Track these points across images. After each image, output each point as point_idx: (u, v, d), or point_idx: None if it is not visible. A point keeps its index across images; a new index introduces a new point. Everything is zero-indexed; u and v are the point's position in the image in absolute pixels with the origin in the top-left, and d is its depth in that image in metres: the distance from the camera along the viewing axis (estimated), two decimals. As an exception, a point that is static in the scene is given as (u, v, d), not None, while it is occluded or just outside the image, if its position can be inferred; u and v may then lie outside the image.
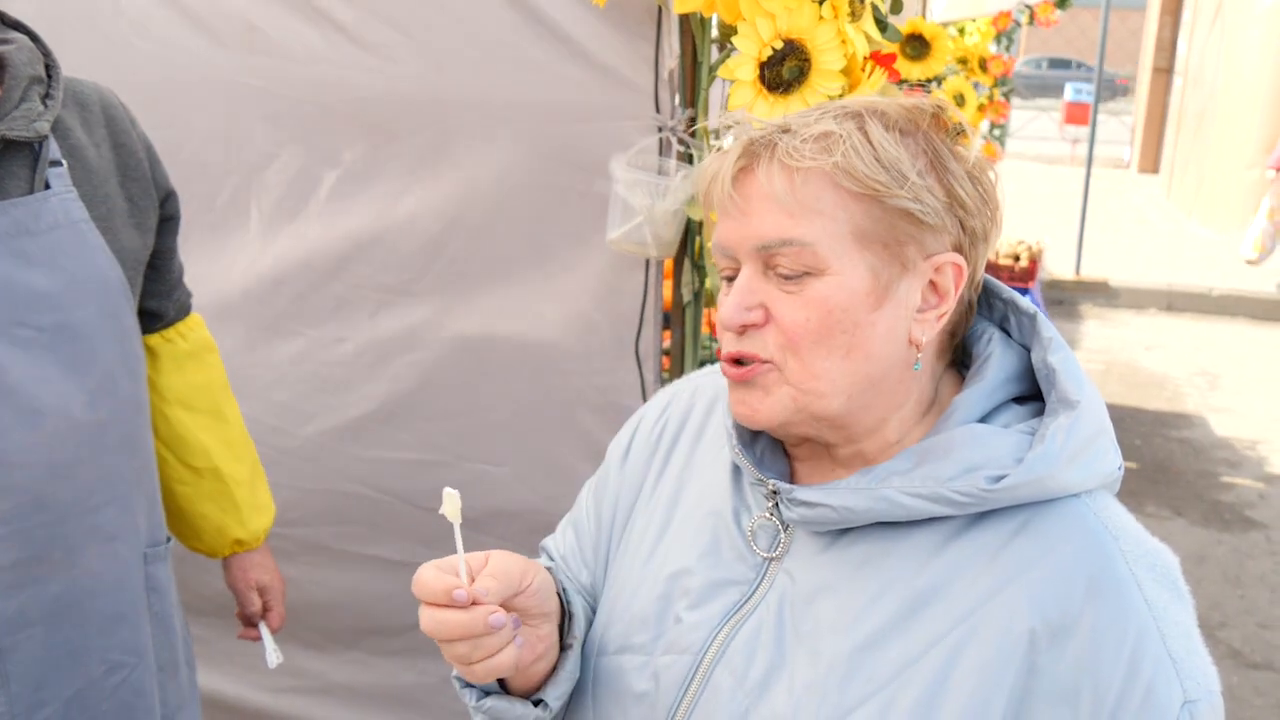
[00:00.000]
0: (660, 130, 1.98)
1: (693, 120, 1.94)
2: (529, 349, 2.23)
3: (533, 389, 2.25)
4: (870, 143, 0.96)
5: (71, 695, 1.56)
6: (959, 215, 0.98)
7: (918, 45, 4.31)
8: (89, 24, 2.23)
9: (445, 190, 2.21)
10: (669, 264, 2.10)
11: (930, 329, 1.01)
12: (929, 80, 4.35)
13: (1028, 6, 4.65)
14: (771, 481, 1.05)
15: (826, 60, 1.67)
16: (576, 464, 2.19)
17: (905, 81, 4.40)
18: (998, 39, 4.66)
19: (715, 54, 1.95)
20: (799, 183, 0.97)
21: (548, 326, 2.22)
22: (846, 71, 1.72)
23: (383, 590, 2.49)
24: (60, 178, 1.50)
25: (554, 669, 1.12)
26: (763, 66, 1.66)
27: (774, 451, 1.11)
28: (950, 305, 1.01)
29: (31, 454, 1.45)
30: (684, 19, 1.92)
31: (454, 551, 0.99)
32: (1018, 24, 4.59)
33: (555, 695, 1.11)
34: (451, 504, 0.98)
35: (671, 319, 2.10)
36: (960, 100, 4.40)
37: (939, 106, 1.03)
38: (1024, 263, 5.33)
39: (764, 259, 1.00)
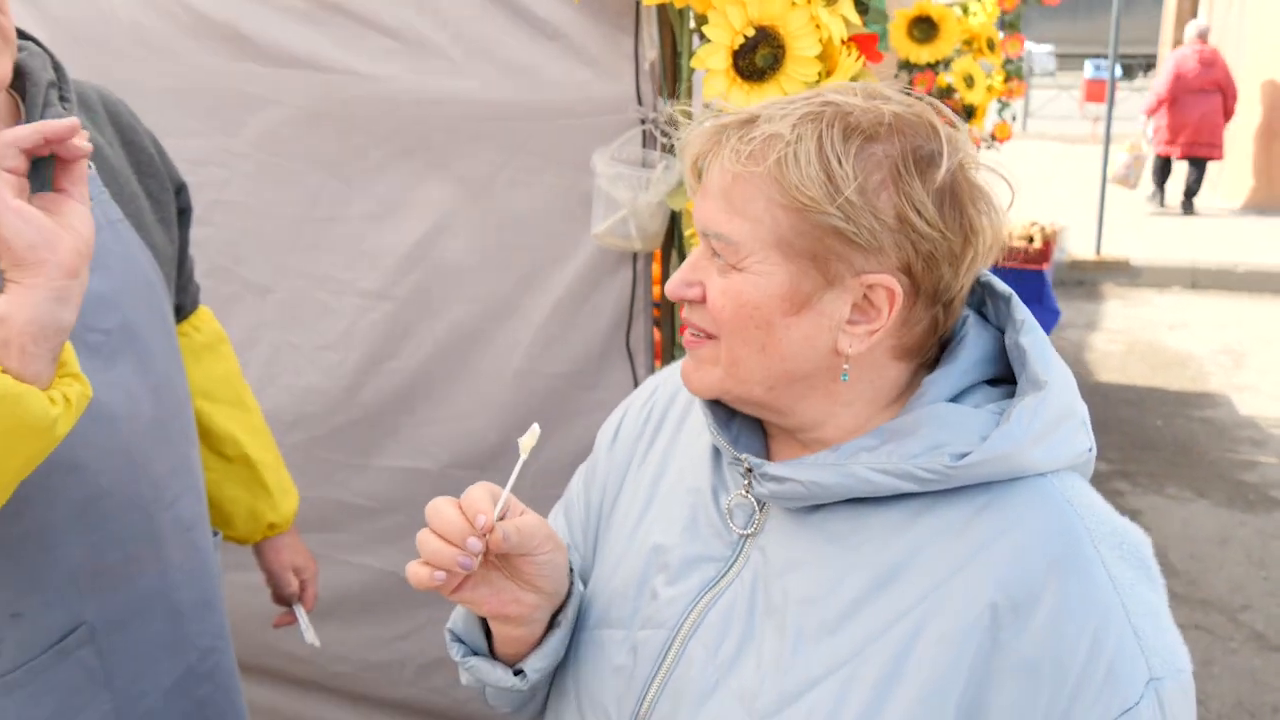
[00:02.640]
0: (643, 123, 1.96)
1: (674, 114, 1.92)
2: (517, 349, 2.23)
3: (522, 389, 2.24)
4: (811, 151, 0.95)
5: (171, 684, 1.61)
6: (910, 237, 0.96)
7: (925, 27, 4.27)
8: (86, 32, 2.24)
9: (430, 191, 2.21)
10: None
11: (860, 343, 1.00)
12: (938, 62, 4.33)
13: (1033, -15, 4.62)
14: (744, 457, 1.06)
15: (801, 46, 1.66)
16: (570, 462, 2.18)
17: (913, 65, 4.37)
18: (1003, 18, 4.62)
19: (696, 43, 1.93)
20: (734, 184, 0.98)
21: (536, 325, 2.22)
22: (823, 57, 1.70)
23: (372, 598, 2.50)
24: (93, 180, 1.50)
25: (539, 643, 1.14)
26: (736, 55, 1.65)
27: (751, 432, 1.12)
28: (883, 324, 0.99)
29: (113, 457, 1.48)
30: (662, 10, 1.90)
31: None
32: (1024, 2, 4.55)
33: (534, 667, 1.13)
34: (530, 438, 1.03)
35: (661, 312, 2.09)
36: (969, 81, 4.36)
37: (936, 109, 1.01)
38: (1037, 244, 5.28)
39: (708, 242, 1.02)
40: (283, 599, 2.04)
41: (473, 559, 0.99)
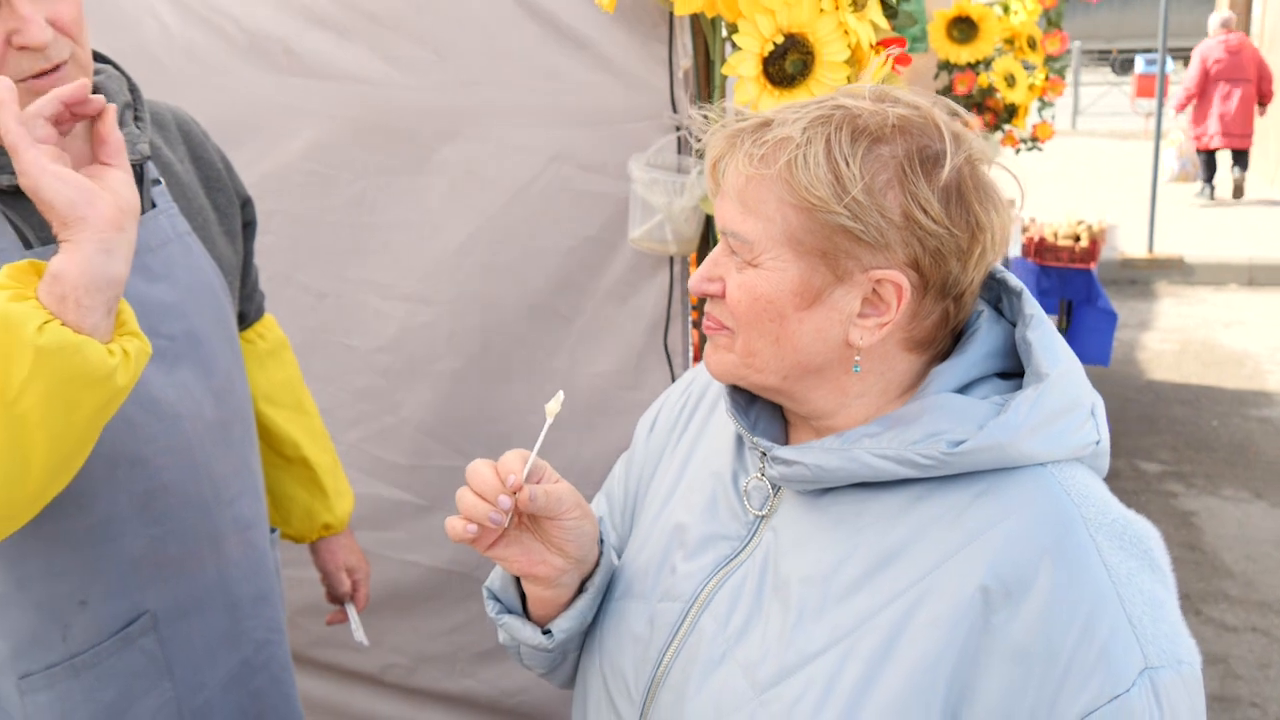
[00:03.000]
0: (677, 129, 2.01)
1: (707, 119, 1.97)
2: (560, 350, 2.29)
3: (565, 389, 2.29)
4: (820, 154, 1.00)
5: (227, 675, 1.70)
6: (916, 234, 1.01)
7: (965, 28, 4.28)
8: (145, 52, 2.33)
9: (472, 198, 2.28)
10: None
11: (870, 335, 1.05)
12: (978, 62, 4.33)
13: (1074, -18, 4.58)
14: (758, 440, 1.11)
15: (830, 52, 1.70)
16: (612, 459, 2.23)
17: (953, 66, 4.37)
18: (1045, 16, 4.60)
19: (728, 51, 1.98)
20: (748, 185, 1.04)
21: (578, 328, 2.28)
22: (852, 61, 1.74)
23: (423, 593, 2.57)
24: (162, 195, 1.60)
25: (568, 606, 1.21)
26: (766, 61, 1.69)
27: (770, 419, 1.18)
28: (892, 317, 1.04)
29: (176, 456, 1.57)
30: (695, 19, 1.95)
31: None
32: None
33: (560, 627, 1.21)
34: (556, 404, 1.12)
35: (699, 313, 2.13)
36: (1010, 80, 4.35)
37: (952, 111, 1.06)
38: (1084, 243, 5.24)
39: (726, 240, 1.08)
40: (336, 597, 2.11)
41: (503, 515, 1.07)
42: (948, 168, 1.00)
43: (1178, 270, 9.52)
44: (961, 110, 1.09)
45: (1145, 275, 9.56)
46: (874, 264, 1.02)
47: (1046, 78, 4.69)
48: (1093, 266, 5.25)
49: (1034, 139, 4.67)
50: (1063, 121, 16.24)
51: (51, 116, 1.25)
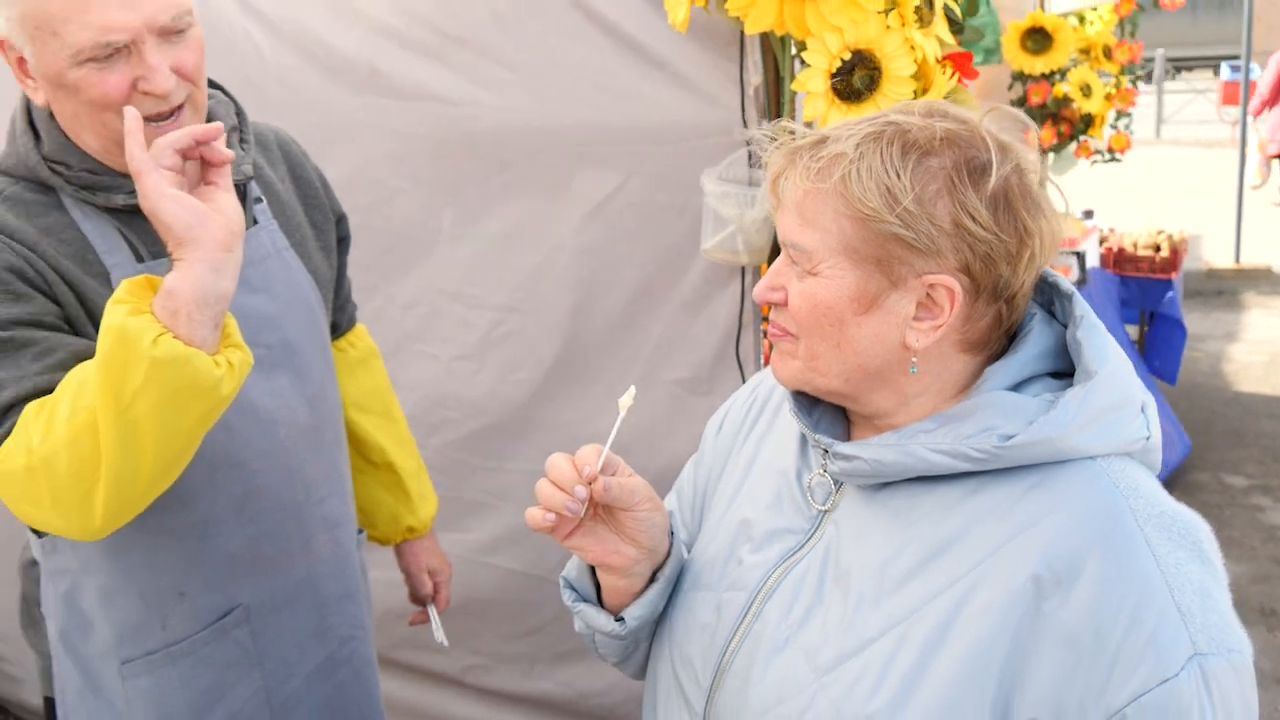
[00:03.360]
0: (748, 144, 2.07)
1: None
2: (637, 358, 2.35)
3: (641, 395, 2.35)
4: (873, 167, 1.05)
5: (314, 668, 1.80)
6: (967, 240, 1.06)
7: (1039, 39, 4.28)
8: (241, 74, 2.45)
9: (552, 211, 2.36)
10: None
11: (926, 337, 1.10)
12: (1053, 73, 4.32)
13: (1150, -11, 4.54)
14: (819, 438, 1.17)
15: (897, 67, 1.75)
16: (684, 463, 2.30)
17: (1027, 76, 4.36)
18: (1121, 25, 4.57)
19: (797, 68, 2.04)
20: (806, 198, 1.10)
21: (654, 336, 2.35)
22: (918, 76, 1.79)
23: (502, 596, 2.65)
24: (263, 212, 1.71)
25: (639, 595, 1.28)
26: (834, 77, 1.74)
27: (832, 419, 1.23)
28: (946, 319, 1.09)
29: (271, 458, 1.67)
30: (765, 38, 2.01)
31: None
32: (1141, 8, 4.49)
33: (633, 615, 1.27)
34: (628, 398, 1.20)
35: (769, 322, 2.19)
36: (1086, 90, 4.33)
37: (1018, 121, 1.12)
38: (1164, 253, 5.17)
39: (787, 251, 1.14)
40: (418, 599, 2.18)
41: (579, 504, 1.14)
42: (994, 177, 1.05)
43: (1265, 280, 9.29)
44: (1025, 118, 1.14)
45: (1232, 286, 9.34)
46: (926, 269, 1.07)
47: (1122, 87, 4.65)
48: (1174, 277, 5.18)
49: (1110, 149, 4.63)
50: (1147, 130, 15.89)
51: (182, 150, 1.36)
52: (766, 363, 2.28)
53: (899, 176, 1.05)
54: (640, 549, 1.23)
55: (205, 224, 1.35)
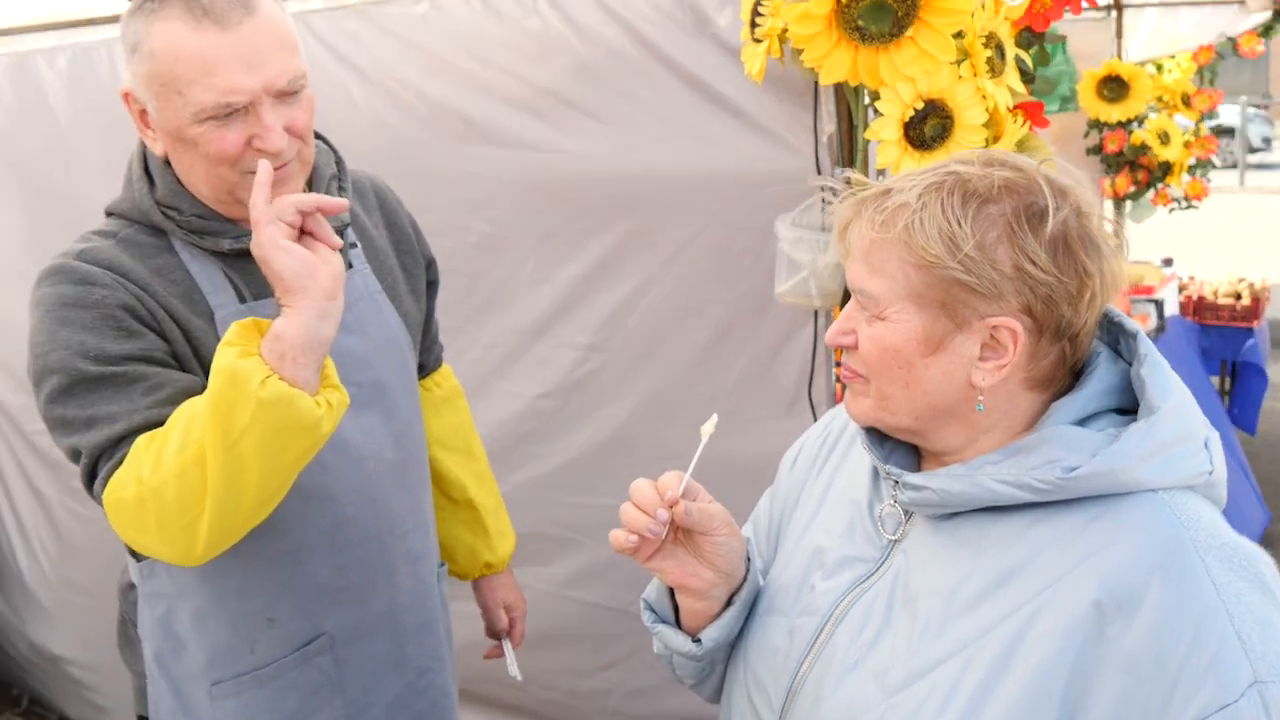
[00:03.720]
0: (821, 190, 2.12)
1: (849, 181, 2.08)
2: (712, 400, 2.40)
3: (717, 436, 2.40)
4: (935, 217, 1.10)
5: (393, 698, 1.85)
6: (1028, 283, 1.10)
7: (1116, 87, 4.28)
8: (335, 122, 2.55)
9: (634, 255, 2.44)
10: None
11: (991, 376, 1.14)
12: (1129, 120, 4.31)
13: (1230, 38, 4.49)
14: (889, 469, 1.22)
15: (968, 116, 1.79)
16: (759, 499, 2.34)
17: (1102, 124, 4.36)
18: (1200, 74, 4.54)
19: (871, 116, 2.09)
20: (872, 247, 1.15)
21: (731, 377, 2.40)
22: (990, 124, 1.82)
23: (582, 629, 2.69)
24: (358, 257, 1.79)
25: (716, 618, 1.32)
26: (907, 126, 1.78)
27: (903, 453, 1.27)
28: (1010, 360, 1.13)
29: (359, 493, 1.74)
30: (839, 88, 2.06)
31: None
32: (1220, 57, 4.46)
33: (709, 637, 1.32)
34: (710, 425, 1.26)
35: (841, 366, 2.22)
36: (1164, 138, 4.31)
37: (1046, 179, 1.14)
38: (1245, 301, 5.09)
39: (856, 297, 1.20)
40: (494, 633, 2.22)
41: (660, 527, 1.20)
42: (1052, 222, 1.09)
43: (1354, 331, 9.04)
44: (1077, 174, 1.17)
45: (1320, 336, 9.10)
46: (989, 312, 1.11)
47: (1201, 134, 4.62)
48: (1255, 325, 5.10)
49: (1186, 196, 4.60)
50: (1230, 178, 15.60)
51: (305, 211, 1.46)
52: (838, 402, 2.32)
53: (960, 224, 1.09)
54: (718, 572, 1.28)
55: (314, 274, 1.43)
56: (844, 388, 2.22)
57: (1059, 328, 1.13)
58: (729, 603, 1.32)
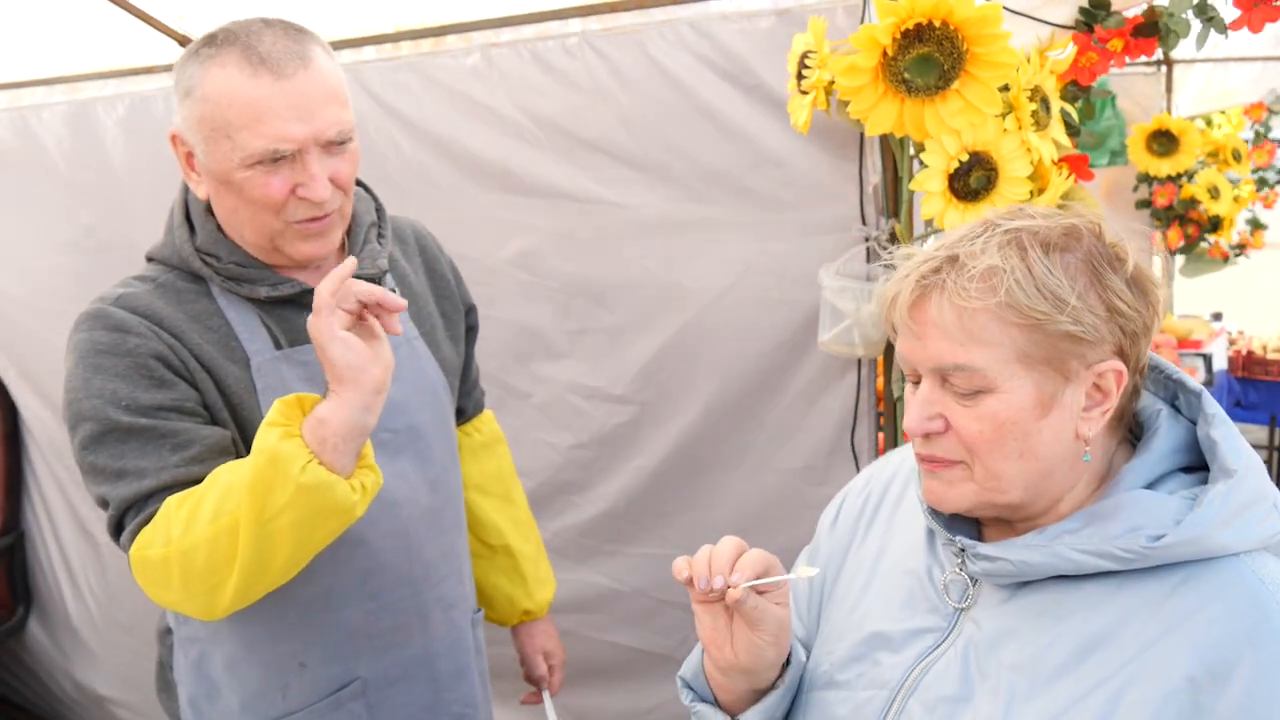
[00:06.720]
0: (866, 240, 2.12)
1: (894, 231, 2.07)
2: (753, 447, 2.39)
3: (756, 483, 2.39)
4: (1031, 274, 1.07)
5: None
6: (1119, 323, 1.09)
7: (1165, 141, 4.25)
8: (378, 170, 2.59)
9: (673, 304, 2.43)
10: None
11: (1096, 424, 1.12)
12: (1179, 175, 4.27)
13: (1280, 95, 4.47)
14: (957, 540, 1.18)
15: (1013, 169, 1.77)
16: (798, 551, 2.32)
17: (1152, 178, 4.32)
18: (1256, 132, 4.50)
19: (916, 167, 2.08)
20: (967, 318, 1.09)
21: (771, 425, 2.38)
22: (1034, 177, 1.81)
23: (619, 674, 2.67)
24: None
25: (759, 700, 1.28)
26: (951, 178, 1.78)
27: (965, 519, 1.24)
28: (1114, 403, 1.11)
29: (394, 538, 1.74)
30: (884, 139, 2.06)
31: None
32: (1273, 112, 4.43)
33: (750, 717, 1.27)
34: (807, 572, 1.20)
35: (884, 414, 2.20)
36: (1214, 193, 4.27)
37: (1084, 220, 1.14)
38: (1296, 356, 5.02)
39: (940, 376, 1.13)
40: (532, 679, 2.19)
41: (708, 588, 1.16)
42: (1131, 259, 1.10)
43: None
44: (1098, 215, 1.16)
45: (1377, 395, 8.92)
46: (1095, 359, 1.09)
47: (1250, 189, 4.57)
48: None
49: (1238, 248, 4.55)
50: (1281, 233, 15.38)
51: (365, 302, 1.45)
52: (880, 453, 2.29)
53: (1053, 274, 1.07)
54: (738, 660, 1.23)
55: (366, 368, 1.43)
56: (888, 440, 2.21)
57: (1138, 361, 1.13)
58: (773, 686, 1.28)
